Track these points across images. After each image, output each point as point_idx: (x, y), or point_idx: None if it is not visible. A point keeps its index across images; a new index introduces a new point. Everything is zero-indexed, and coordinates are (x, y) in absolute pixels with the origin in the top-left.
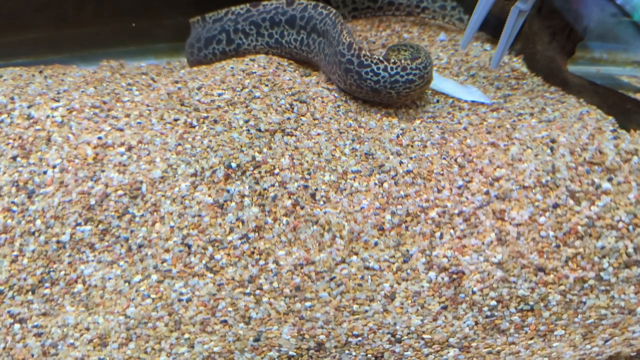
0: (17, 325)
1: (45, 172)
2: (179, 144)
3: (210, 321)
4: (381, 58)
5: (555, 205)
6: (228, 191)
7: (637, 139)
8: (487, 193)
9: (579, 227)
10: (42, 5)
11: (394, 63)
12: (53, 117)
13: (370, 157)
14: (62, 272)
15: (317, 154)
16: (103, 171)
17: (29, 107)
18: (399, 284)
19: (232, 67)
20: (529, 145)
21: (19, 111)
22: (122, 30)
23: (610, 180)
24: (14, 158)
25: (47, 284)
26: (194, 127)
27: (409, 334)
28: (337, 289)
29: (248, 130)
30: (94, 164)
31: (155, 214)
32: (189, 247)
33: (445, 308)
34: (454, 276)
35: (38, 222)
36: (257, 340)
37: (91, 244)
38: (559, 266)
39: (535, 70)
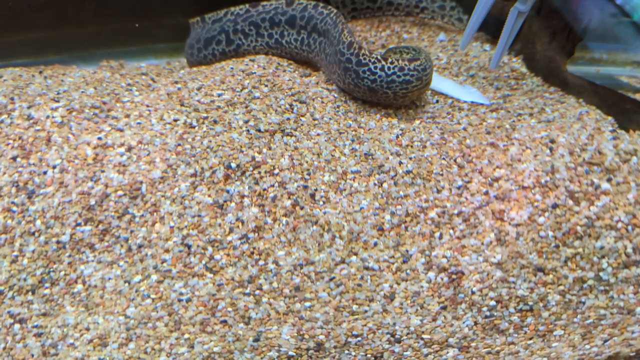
0: (17, 326)
1: (45, 173)
2: (179, 145)
3: (210, 321)
4: (379, 57)
5: (555, 206)
6: (228, 191)
7: (637, 139)
8: (486, 193)
9: (578, 228)
10: (42, 5)
11: (392, 63)
12: (53, 117)
13: (370, 157)
14: (62, 273)
15: (316, 155)
16: (103, 171)
17: (28, 107)
18: (398, 284)
19: (231, 68)
20: (528, 146)
21: (19, 111)
22: (122, 31)
23: (609, 180)
24: (14, 158)
25: (47, 284)
26: (194, 127)
27: (408, 334)
28: (337, 289)
29: (248, 130)
30: (93, 164)
31: (155, 214)
32: (189, 247)
33: (444, 308)
34: (454, 276)
35: (38, 222)
36: (256, 340)
37: (91, 244)
38: (558, 266)
39: (534, 70)
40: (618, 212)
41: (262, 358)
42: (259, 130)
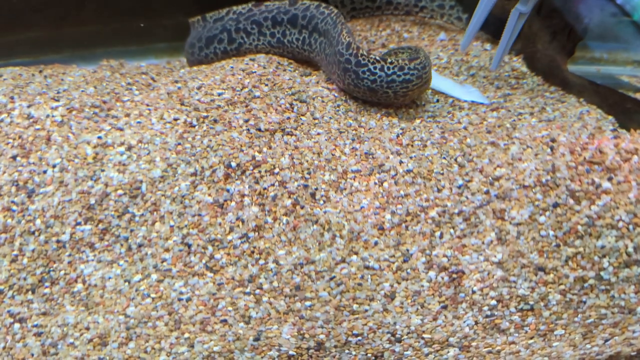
0: (17, 325)
1: (45, 172)
2: (179, 144)
3: (210, 320)
4: (378, 58)
5: (555, 205)
6: (228, 190)
7: (637, 138)
8: (487, 192)
9: (579, 227)
10: (42, 4)
11: (391, 63)
12: (53, 116)
13: (370, 156)
14: (62, 272)
15: (317, 154)
16: (103, 170)
17: (28, 106)
18: (398, 283)
19: (232, 67)
20: (529, 145)
21: (18, 110)
22: (122, 30)
23: (610, 179)
24: (14, 157)
25: (47, 284)
26: (194, 126)
27: (408, 333)
28: (337, 289)
29: (248, 129)
30: (93, 163)
31: (155, 213)
32: (189, 246)
33: (445, 307)
34: (454, 275)
35: (38, 221)
36: (257, 339)
37: (91, 243)
38: (559, 265)
39: (535, 69)
40: (619, 211)
41: (262, 357)
42: (259, 130)
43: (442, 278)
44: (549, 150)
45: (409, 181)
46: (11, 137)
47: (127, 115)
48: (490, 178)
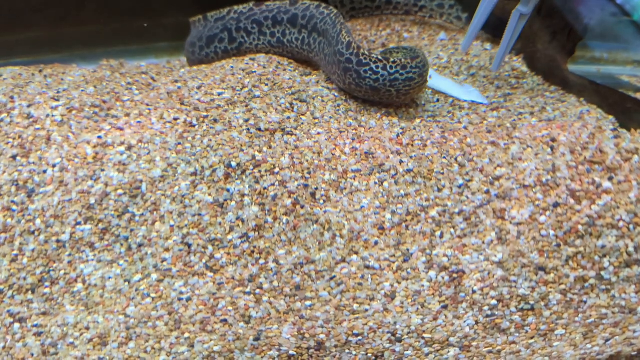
0: (16, 325)
1: (45, 171)
2: (179, 143)
3: (210, 320)
4: (380, 57)
5: (556, 205)
6: (228, 190)
7: (638, 138)
8: (487, 192)
9: (580, 226)
10: (42, 4)
11: (394, 62)
12: (53, 116)
13: (371, 156)
14: (62, 272)
15: (317, 153)
16: (103, 170)
17: (28, 106)
18: (399, 283)
19: (232, 67)
20: (529, 144)
21: (18, 110)
22: (122, 30)
23: (610, 179)
24: (14, 157)
25: (47, 283)
26: (194, 126)
27: (409, 333)
28: (337, 288)
29: (248, 129)
30: (93, 163)
31: (155, 213)
32: (189, 246)
33: (445, 307)
34: (455, 275)
35: (38, 221)
36: (257, 339)
37: (91, 243)
38: (559, 265)
39: (535, 69)
40: (619, 211)
41: (262, 357)
42: (260, 129)
43: (443, 278)
44: (549, 149)
45: (409, 181)
46: (11, 136)
47: (127, 115)
48: (490, 178)
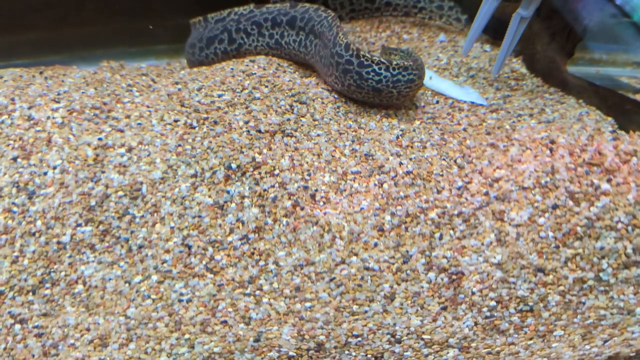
0: (17, 326)
1: (45, 173)
2: (179, 145)
3: (211, 322)
4: (383, 59)
5: (555, 206)
6: (228, 192)
7: (636, 139)
8: (486, 194)
9: (578, 228)
10: (43, 5)
11: (397, 64)
12: (53, 118)
13: (370, 158)
14: (63, 273)
15: (317, 155)
16: (103, 172)
17: (29, 108)
18: (398, 284)
19: (232, 68)
20: (528, 146)
21: (19, 112)
22: (122, 31)
23: (609, 181)
24: (15, 159)
25: (47, 285)
26: (194, 128)
27: (408, 334)
28: (337, 290)
29: (248, 131)
30: (94, 165)
31: (155, 214)
32: (189, 247)
33: (444, 309)
34: (454, 277)
35: (39, 223)
36: (257, 340)
37: (91, 244)
38: (558, 267)
39: (534, 71)
40: (618, 213)
41: (262, 358)
42: (259, 131)
43: (442, 279)
44: (548, 151)
45: (408, 182)
46: (12, 138)
47: (128, 116)
48: (489, 179)
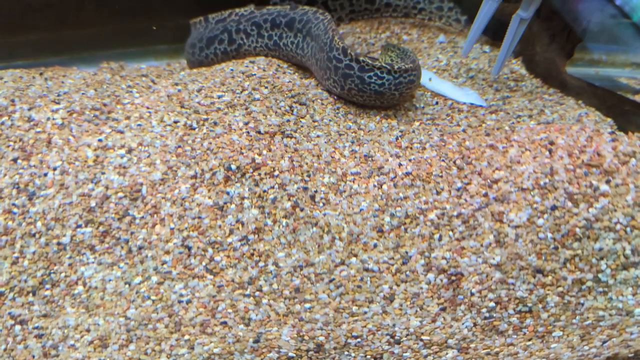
0: (18, 327)
1: (45, 175)
2: (179, 146)
3: (210, 322)
4: (384, 64)
5: (554, 208)
6: (228, 193)
7: (635, 141)
8: (485, 195)
9: (577, 229)
10: (42, 6)
11: (398, 68)
12: (53, 119)
13: (370, 159)
14: (63, 274)
15: (316, 156)
16: (103, 173)
17: (29, 109)
18: (398, 285)
19: (232, 69)
20: (527, 148)
21: (19, 113)
22: (122, 32)
23: (608, 182)
24: (15, 160)
25: (47, 286)
26: (194, 129)
27: (407, 335)
28: (337, 291)
29: (248, 132)
30: (94, 166)
31: (155, 215)
32: (189, 248)
33: (444, 309)
34: (453, 278)
35: (39, 224)
36: (256, 341)
37: (91, 245)
38: (557, 268)
39: (534, 72)
40: (617, 214)
41: (262, 359)
42: (259, 132)
43: (441, 280)
44: (547, 153)
45: (408, 184)
46: (12, 139)
47: (128, 118)
48: (488, 181)
